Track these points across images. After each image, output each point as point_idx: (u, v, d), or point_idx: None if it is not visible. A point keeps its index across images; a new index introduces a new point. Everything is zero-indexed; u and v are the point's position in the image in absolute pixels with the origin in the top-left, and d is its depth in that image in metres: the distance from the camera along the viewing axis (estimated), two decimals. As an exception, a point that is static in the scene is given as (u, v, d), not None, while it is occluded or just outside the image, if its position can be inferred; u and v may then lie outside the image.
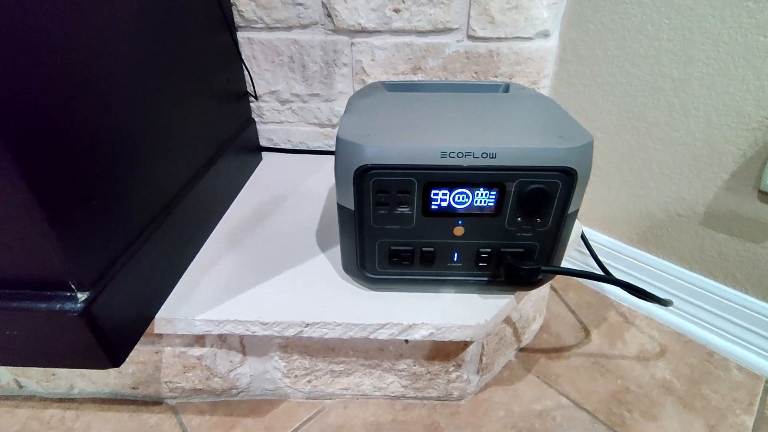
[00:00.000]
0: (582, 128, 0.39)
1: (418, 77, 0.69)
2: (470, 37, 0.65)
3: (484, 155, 0.36)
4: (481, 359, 0.51)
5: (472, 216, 0.39)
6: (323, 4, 0.64)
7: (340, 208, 0.40)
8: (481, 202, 0.38)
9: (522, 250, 0.41)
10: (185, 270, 0.49)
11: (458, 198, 0.38)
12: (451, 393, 0.52)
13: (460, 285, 0.44)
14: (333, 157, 0.76)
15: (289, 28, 0.66)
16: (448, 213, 0.39)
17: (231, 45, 0.64)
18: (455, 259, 0.42)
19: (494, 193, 0.37)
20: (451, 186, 0.37)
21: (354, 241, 0.41)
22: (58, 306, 0.33)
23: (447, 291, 0.45)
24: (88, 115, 0.33)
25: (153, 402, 0.53)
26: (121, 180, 0.38)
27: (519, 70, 0.67)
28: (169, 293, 0.45)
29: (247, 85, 0.71)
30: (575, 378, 0.57)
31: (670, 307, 0.63)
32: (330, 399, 0.53)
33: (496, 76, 0.68)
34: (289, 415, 0.52)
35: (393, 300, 0.44)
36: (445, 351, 0.48)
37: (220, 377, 0.50)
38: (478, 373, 0.52)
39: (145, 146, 0.41)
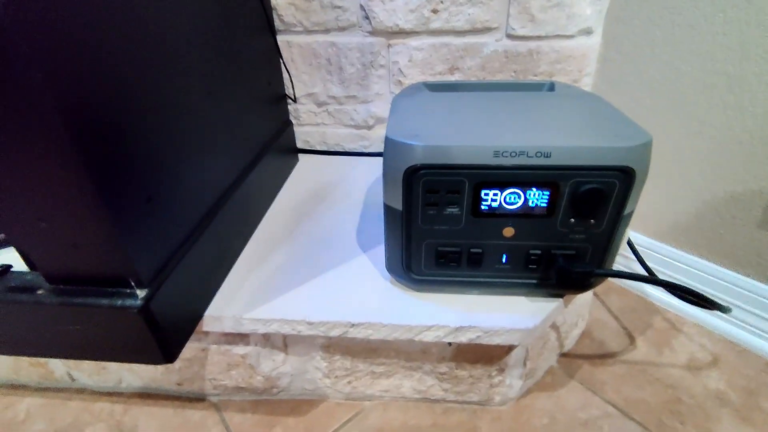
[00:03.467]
0: (638, 126, 0.37)
1: (455, 77, 0.68)
2: (509, 36, 0.64)
3: (539, 154, 0.35)
4: (525, 364, 0.50)
5: (523, 217, 0.38)
6: (361, 6, 0.64)
7: (387, 208, 0.40)
8: (533, 202, 0.37)
9: (574, 252, 0.40)
10: (231, 268, 0.49)
11: (509, 198, 0.37)
12: (493, 398, 0.51)
13: (508, 287, 0.43)
14: (368, 158, 0.76)
15: (327, 31, 0.67)
16: (499, 214, 0.38)
17: (272, 48, 0.65)
18: (504, 260, 0.41)
19: (547, 193, 0.36)
20: (503, 186, 0.36)
21: (400, 242, 0.41)
22: (119, 302, 0.34)
23: (494, 293, 0.44)
24: (150, 117, 0.34)
25: (196, 398, 0.54)
26: (176, 179, 0.39)
27: (560, 69, 0.66)
28: (217, 291, 0.46)
29: (286, 87, 0.72)
30: (621, 386, 0.55)
31: (723, 315, 0.60)
32: (369, 401, 0.53)
33: (536, 75, 0.66)
34: (329, 416, 0.52)
35: (438, 301, 0.44)
36: (489, 354, 0.48)
37: (263, 376, 0.51)
38: (521, 378, 0.51)
39: (197, 146, 0.42)
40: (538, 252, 0.40)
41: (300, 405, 0.53)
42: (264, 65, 0.61)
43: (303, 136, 0.78)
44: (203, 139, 0.43)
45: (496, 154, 0.35)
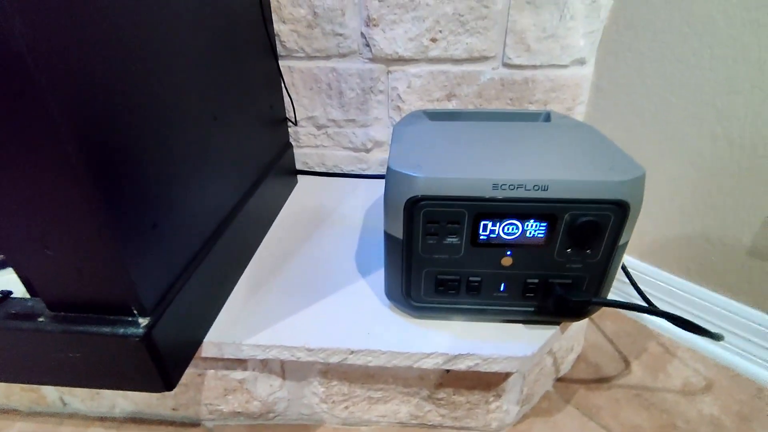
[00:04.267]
0: (632, 160, 0.39)
1: (452, 104, 0.70)
2: (506, 65, 0.66)
3: (536, 187, 0.36)
4: (521, 389, 0.50)
5: (520, 247, 0.39)
6: (362, 34, 0.66)
7: (388, 236, 0.41)
8: (531, 233, 0.38)
9: (570, 281, 0.40)
10: (230, 293, 0.50)
11: (508, 229, 0.38)
12: (490, 424, 0.51)
13: (506, 314, 0.44)
14: (366, 180, 0.77)
15: (328, 57, 0.69)
16: (497, 243, 0.39)
17: (275, 73, 0.66)
18: (502, 289, 0.42)
19: (545, 224, 0.37)
20: (501, 217, 0.37)
21: (400, 270, 0.42)
22: (121, 331, 0.34)
23: (492, 320, 0.45)
24: (158, 143, 0.35)
25: (191, 423, 0.54)
26: (181, 205, 0.39)
27: (554, 97, 0.68)
28: (216, 316, 0.46)
29: (287, 110, 0.73)
30: (617, 411, 0.55)
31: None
32: (366, 426, 0.53)
33: (531, 103, 0.68)
34: (326, 442, 0.51)
35: (437, 327, 0.44)
36: (486, 381, 0.48)
37: (260, 401, 0.50)
38: (518, 404, 0.51)
39: (203, 171, 0.43)
40: (536, 281, 0.41)
41: (296, 430, 0.53)
42: (266, 89, 0.63)
43: (302, 158, 0.79)
44: (208, 164, 0.44)
45: (495, 186, 0.36)
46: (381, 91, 0.70)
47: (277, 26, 0.66)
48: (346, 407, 0.51)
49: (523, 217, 0.37)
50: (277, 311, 0.47)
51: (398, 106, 0.71)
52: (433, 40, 0.65)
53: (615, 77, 0.63)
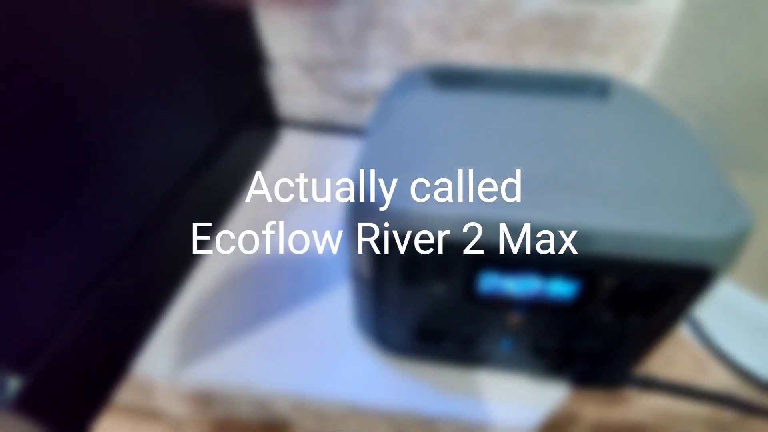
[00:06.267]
0: (732, 190, 0.24)
1: (477, 45, 0.53)
2: (554, -6, 0.47)
3: (571, 239, 0.23)
4: None
5: (536, 306, 0.27)
6: (357, -60, 0.48)
7: (353, 269, 0.30)
8: (554, 292, 0.26)
9: (602, 348, 0.29)
10: (163, 316, 0.40)
11: (520, 285, 0.26)
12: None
13: (507, 370, 0.34)
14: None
15: (313, -27, 0.51)
16: (502, 299, 0.27)
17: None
18: (505, 347, 0.31)
19: (577, 283, 0.25)
20: (513, 269, 0.25)
21: (370, 312, 0.31)
22: (-19, 399, 0.25)
23: (489, 370, 0.35)
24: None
25: None
26: (70, 205, 0.28)
27: (616, 43, 0.49)
28: (139, 351, 0.37)
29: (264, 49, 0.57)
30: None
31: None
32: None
33: (583, 50, 0.51)
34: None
35: (417, 373, 0.35)
36: None
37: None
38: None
39: (113, 150, 0.31)
40: (553, 344, 0.29)
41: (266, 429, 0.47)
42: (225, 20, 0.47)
43: (289, 108, 0.65)
44: (125, 138, 0.32)
45: (510, 232, 0.23)
46: (382, 23, 0.53)
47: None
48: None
49: (546, 271, 0.25)
50: (224, 340, 0.38)
51: (404, 46, 0.55)
52: (456, -48, 0.46)
53: (713, 17, 0.44)
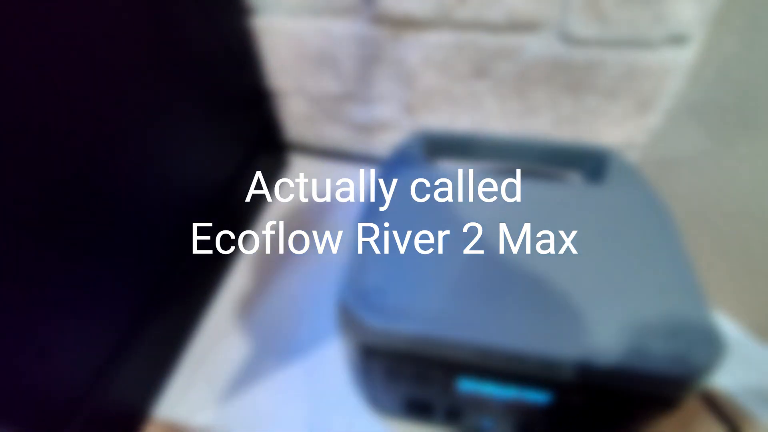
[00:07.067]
0: (706, 320, 0.25)
1: (483, 84, 0.52)
2: (564, 38, 0.46)
3: (547, 366, 0.24)
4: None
5: (515, 405, 0.29)
6: (361, -17, 0.47)
7: (346, 352, 0.32)
8: (530, 398, 0.28)
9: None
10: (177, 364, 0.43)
11: (498, 392, 0.28)
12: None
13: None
14: (371, 166, 0.64)
15: (317, 14, 0.51)
16: (482, 400, 0.29)
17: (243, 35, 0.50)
18: (488, 425, 0.33)
19: (550, 394, 0.27)
20: (490, 379, 0.27)
21: (364, 384, 0.34)
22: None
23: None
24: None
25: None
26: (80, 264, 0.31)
27: (627, 87, 0.48)
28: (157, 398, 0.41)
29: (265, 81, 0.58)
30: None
31: None
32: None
33: (592, 91, 0.49)
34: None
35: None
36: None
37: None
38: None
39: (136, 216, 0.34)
40: (532, 427, 0.32)
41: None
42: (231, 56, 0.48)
43: (296, 136, 0.66)
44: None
45: (488, 354, 0.25)
46: (387, 62, 0.53)
47: None
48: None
49: (522, 384, 0.27)
50: (231, 383, 0.41)
51: (410, 83, 0.54)
52: (461, -3, 0.45)
53: (731, 67, 0.42)
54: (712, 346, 0.24)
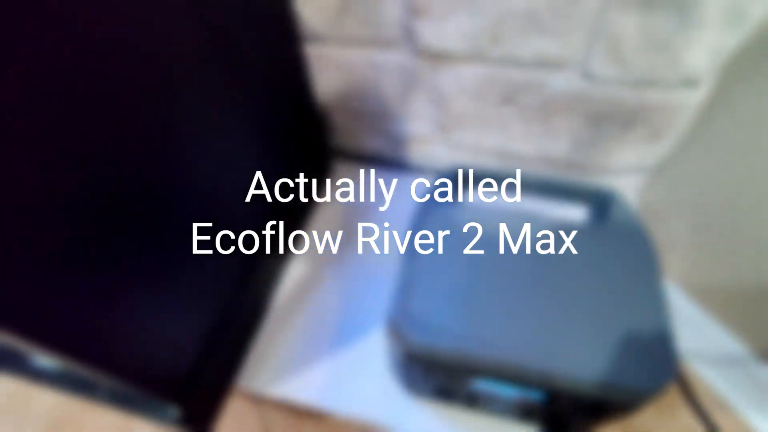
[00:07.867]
0: (671, 351, 0.33)
1: (509, 110, 0.58)
2: (586, 77, 0.51)
3: (537, 379, 0.33)
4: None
5: (519, 400, 0.38)
6: (404, 26, 0.52)
7: (390, 352, 0.42)
8: (532, 396, 0.37)
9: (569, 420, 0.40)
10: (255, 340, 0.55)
11: (504, 391, 0.37)
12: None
13: (506, 419, 0.46)
14: (410, 175, 0.71)
15: (364, 46, 0.57)
16: (494, 394, 0.39)
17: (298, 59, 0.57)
18: (500, 409, 0.43)
19: (545, 394, 0.36)
20: (502, 382, 0.36)
21: (402, 374, 0.44)
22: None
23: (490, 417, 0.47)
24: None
25: None
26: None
27: (640, 120, 0.53)
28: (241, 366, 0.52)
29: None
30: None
31: None
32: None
33: (608, 122, 0.55)
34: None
35: (442, 416, 0.48)
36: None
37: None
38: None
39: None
40: (536, 413, 0.41)
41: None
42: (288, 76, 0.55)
43: (339, 145, 0.73)
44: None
45: (499, 367, 0.34)
46: (425, 88, 0.59)
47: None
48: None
49: (523, 386, 0.36)
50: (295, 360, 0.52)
51: (444, 106, 0.60)
52: (494, 39, 0.50)
53: (737, 108, 0.47)
54: (663, 373, 0.32)
